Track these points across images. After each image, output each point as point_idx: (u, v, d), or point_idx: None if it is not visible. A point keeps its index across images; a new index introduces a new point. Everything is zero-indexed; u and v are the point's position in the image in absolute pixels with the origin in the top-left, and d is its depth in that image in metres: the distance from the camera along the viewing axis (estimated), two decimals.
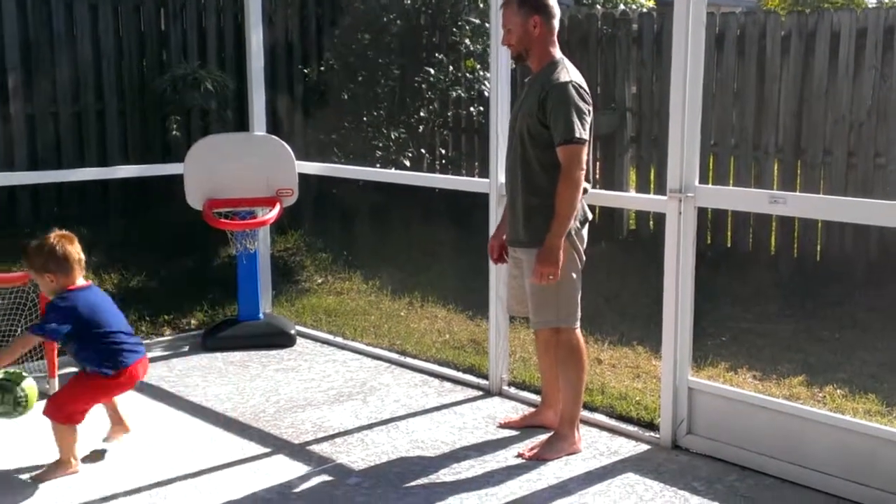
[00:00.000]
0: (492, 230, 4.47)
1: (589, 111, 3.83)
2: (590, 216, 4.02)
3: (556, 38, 3.95)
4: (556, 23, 3.95)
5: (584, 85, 3.87)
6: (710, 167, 7.19)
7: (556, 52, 3.94)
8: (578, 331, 4.01)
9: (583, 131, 3.76)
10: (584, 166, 3.80)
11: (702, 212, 4.23)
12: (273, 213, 5.36)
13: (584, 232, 3.99)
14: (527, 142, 3.88)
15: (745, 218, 7.07)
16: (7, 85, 7.43)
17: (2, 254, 6.93)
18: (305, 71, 8.81)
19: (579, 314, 4.00)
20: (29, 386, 3.79)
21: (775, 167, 7.00)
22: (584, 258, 3.98)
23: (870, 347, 5.44)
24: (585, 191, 3.92)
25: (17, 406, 3.75)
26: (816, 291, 6.39)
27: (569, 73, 3.85)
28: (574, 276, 3.94)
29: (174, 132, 7.88)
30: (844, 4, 12.85)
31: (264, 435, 4.21)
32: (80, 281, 3.82)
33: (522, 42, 3.90)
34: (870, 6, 12.35)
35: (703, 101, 3.89)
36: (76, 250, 3.79)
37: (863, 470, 3.55)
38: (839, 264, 6.64)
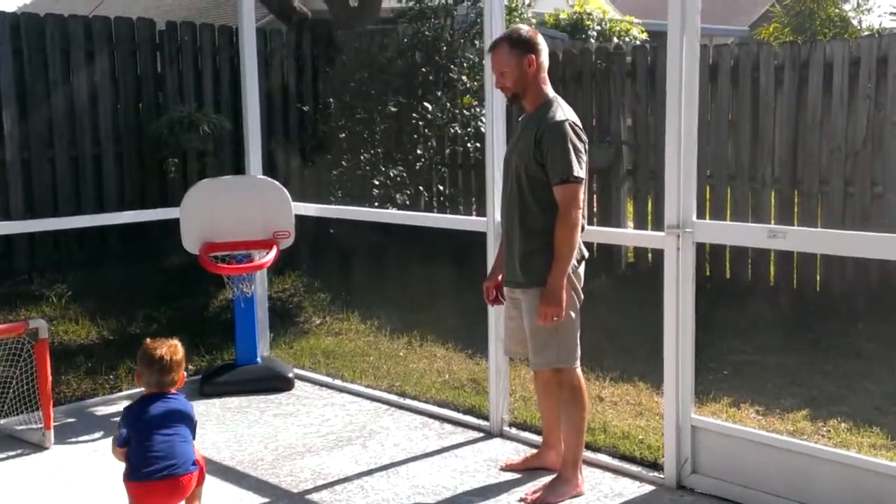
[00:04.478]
0: (490, 269, 4.44)
1: (585, 150, 3.82)
2: (586, 254, 3.99)
3: (546, 74, 3.95)
4: (547, 58, 3.95)
5: (579, 123, 3.87)
6: (707, 198, 7.17)
7: (549, 90, 3.94)
8: (579, 370, 3.97)
9: (580, 170, 3.75)
10: (582, 205, 3.78)
11: (700, 244, 4.21)
12: (270, 257, 5.33)
13: (581, 270, 3.97)
14: (524, 183, 3.86)
15: (744, 249, 7.03)
16: (3, 130, 7.44)
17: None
18: (304, 109, 8.84)
19: (579, 353, 3.96)
20: None
21: (772, 197, 6.99)
22: (583, 296, 3.95)
23: (873, 379, 5.38)
24: (582, 228, 3.90)
25: None
26: (817, 323, 6.34)
27: (563, 111, 3.84)
28: (573, 315, 3.91)
29: (172, 174, 7.88)
30: (838, 34, 12.92)
31: (262, 484, 4.15)
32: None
33: (519, 83, 3.88)
34: (863, 35, 12.42)
35: (699, 133, 3.88)
36: None
37: None
38: (839, 295, 6.60)
